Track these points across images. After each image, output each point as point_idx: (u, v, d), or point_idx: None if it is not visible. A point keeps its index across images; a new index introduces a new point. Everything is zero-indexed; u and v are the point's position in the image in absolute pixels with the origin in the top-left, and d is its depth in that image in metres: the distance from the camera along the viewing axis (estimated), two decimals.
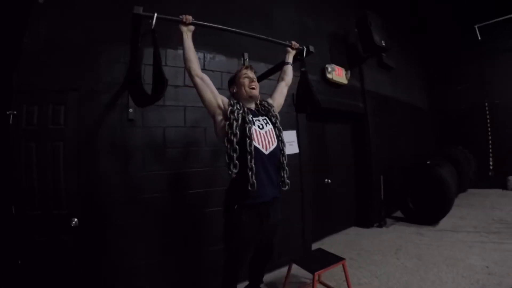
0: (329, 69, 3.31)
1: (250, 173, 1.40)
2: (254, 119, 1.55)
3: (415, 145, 5.51)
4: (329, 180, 3.57)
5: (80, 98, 2.00)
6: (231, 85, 1.70)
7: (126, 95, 2.11)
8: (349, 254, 2.80)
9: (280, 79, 1.90)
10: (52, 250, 1.83)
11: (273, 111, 1.68)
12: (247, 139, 1.43)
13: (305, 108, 2.00)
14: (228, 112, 1.47)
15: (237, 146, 1.41)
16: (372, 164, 3.90)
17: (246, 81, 1.61)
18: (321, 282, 2.23)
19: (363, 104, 3.91)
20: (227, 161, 1.42)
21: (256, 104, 1.68)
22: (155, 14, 1.43)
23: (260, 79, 2.02)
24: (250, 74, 1.64)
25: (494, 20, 5.40)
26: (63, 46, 1.97)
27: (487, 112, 5.99)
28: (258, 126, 1.54)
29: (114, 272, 1.99)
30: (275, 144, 1.55)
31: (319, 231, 3.34)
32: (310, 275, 2.28)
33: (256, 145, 1.47)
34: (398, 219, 4.10)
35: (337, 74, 3.41)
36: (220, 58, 2.57)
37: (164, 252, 2.16)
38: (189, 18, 1.50)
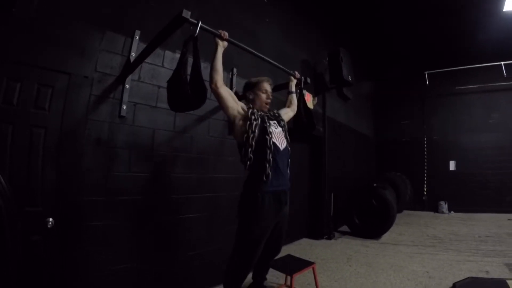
0: None
1: (267, 165, 1.74)
2: (269, 121, 1.91)
3: (360, 168, 6.68)
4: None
5: (70, 83, 1.94)
6: (248, 90, 2.04)
7: (120, 90, 2.18)
8: None
9: (287, 105, 2.34)
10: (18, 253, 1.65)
11: (281, 118, 2.08)
12: (267, 135, 1.78)
13: (299, 132, 2.43)
14: (249, 113, 1.80)
15: (253, 143, 1.74)
16: (325, 183, 4.65)
17: (264, 96, 2.01)
18: (287, 286, 2.62)
19: (322, 129, 4.68)
20: (246, 154, 1.74)
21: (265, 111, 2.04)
22: (200, 22, 1.62)
23: None
24: (269, 89, 2.04)
25: (441, 70, 7.21)
26: (58, 22, 1.89)
27: (425, 146, 7.73)
28: (273, 126, 1.92)
29: (89, 280, 1.95)
30: (285, 143, 1.95)
31: None
32: (276, 279, 2.73)
33: (274, 141, 1.83)
34: (344, 233, 4.90)
35: (306, 99, 4.01)
36: None
37: (142, 257, 2.22)
38: (226, 34, 1.77)
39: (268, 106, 2.03)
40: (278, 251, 2.09)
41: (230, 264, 1.91)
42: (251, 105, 1.90)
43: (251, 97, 2.01)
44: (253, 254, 1.83)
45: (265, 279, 2.20)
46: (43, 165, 1.83)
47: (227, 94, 1.79)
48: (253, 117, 1.79)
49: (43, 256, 1.78)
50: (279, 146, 1.87)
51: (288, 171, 1.96)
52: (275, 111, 2.11)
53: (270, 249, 1.96)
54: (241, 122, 1.82)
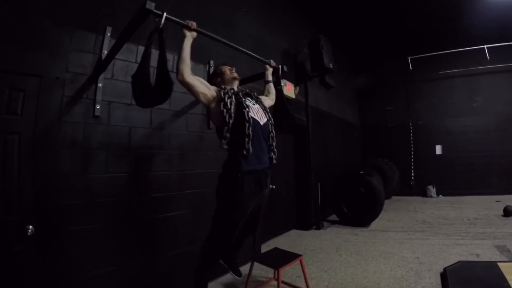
0: (282, 84, 4.04)
1: (246, 139, 1.73)
2: (244, 96, 1.94)
3: (346, 156, 6.99)
4: (274, 186, 4.25)
5: (42, 86, 1.97)
6: (214, 78, 2.10)
7: (93, 89, 2.23)
8: None
9: (265, 94, 2.42)
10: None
11: (259, 99, 2.11)
12: (244, 109, 1.79)
13: (281, 124, 2.47)
14: (222, 93, 1.81)
15: (230, 120, 1.73)
16: (311, 172, 4.86)
17: (227, 69, 2.09)
18: (276, 280, 2.78)
19: (306, 118, 4.87)
20: (223, 133, 1.74)
21: (238, 88, 2.10)
22: (165, 13, 1.64)
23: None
24: (230, 66, 2.11)
25: (424, 55, 7.53)
26: (24, 22, 1.91)
27: (411, 131, 8.13)
28: (249, 102, 1.96)
29: (74, 285, 2.04)
30: (266, 118, 1.99)
31: (264, 233, 3.96)
32: (266, 273, 2.85)
33: (252, 115, 1.84)
34: (333, 222, 5.16)
35: (288, 89, 4.19)
36: None
37: (125, 259, 2.31)
38: (194, 24, 1.81)
39: (237, 76, 2.09)
40: (254, 230, 2.14)
41: (201, 252, 1.96)
42: (222, 86, 1.94)
43: (218, 80, 2.06)
44: (227, 240, 1.88)
45: (238, 250, 2.26)
46: (19, 172, 1.87)
47: (197, 82, 1.81)
48: (226, 96, 1.80)
49: (25, 264, 1.84)
50: (259, 120, 1.90)
51: (272, 153, 2.00)
52: (251, 92, 2.14)
53: (245, 227, 1.98)
54: (215, 104, 1.84)
